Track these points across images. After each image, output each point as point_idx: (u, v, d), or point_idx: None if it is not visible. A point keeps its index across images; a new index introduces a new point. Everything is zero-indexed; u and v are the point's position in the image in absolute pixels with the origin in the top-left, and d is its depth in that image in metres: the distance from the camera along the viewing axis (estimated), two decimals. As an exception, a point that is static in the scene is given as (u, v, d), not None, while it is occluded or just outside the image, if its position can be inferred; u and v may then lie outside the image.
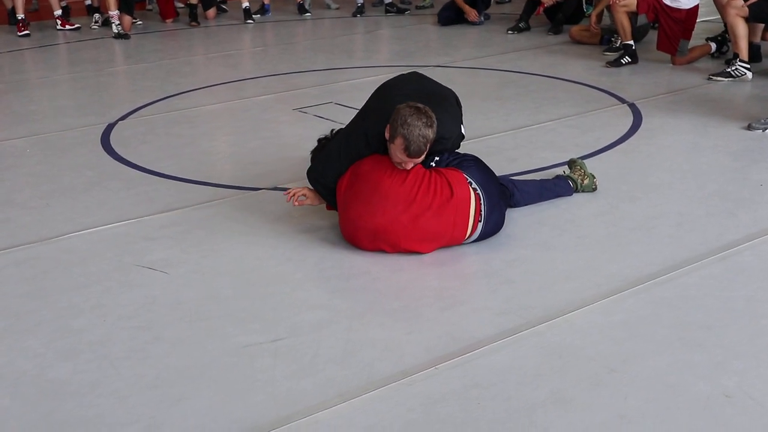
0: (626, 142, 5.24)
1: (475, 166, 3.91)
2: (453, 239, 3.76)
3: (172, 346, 3.10)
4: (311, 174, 3.97)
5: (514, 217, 4.12)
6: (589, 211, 4.19)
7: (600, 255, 3.72)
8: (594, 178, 4.40)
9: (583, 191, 4.36)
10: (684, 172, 4.71)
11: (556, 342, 3.04)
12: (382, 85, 4.06)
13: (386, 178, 3.71)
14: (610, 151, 5.08)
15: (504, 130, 5.57)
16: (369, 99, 4.02)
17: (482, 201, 3.78)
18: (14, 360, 3.04)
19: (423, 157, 3.70)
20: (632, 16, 7.30)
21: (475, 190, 3.78)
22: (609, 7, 8.09)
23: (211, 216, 4.25)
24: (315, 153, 4.13)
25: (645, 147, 5.18)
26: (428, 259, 3.71)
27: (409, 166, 3.71)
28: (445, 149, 3.89)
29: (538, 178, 4.44)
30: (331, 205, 3.98)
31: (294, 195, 4.01)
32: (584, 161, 4.51)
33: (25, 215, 4.38)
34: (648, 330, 3.09)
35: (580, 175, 4.39)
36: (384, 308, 3.34)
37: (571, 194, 4.34)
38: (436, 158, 3.89)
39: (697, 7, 7.14)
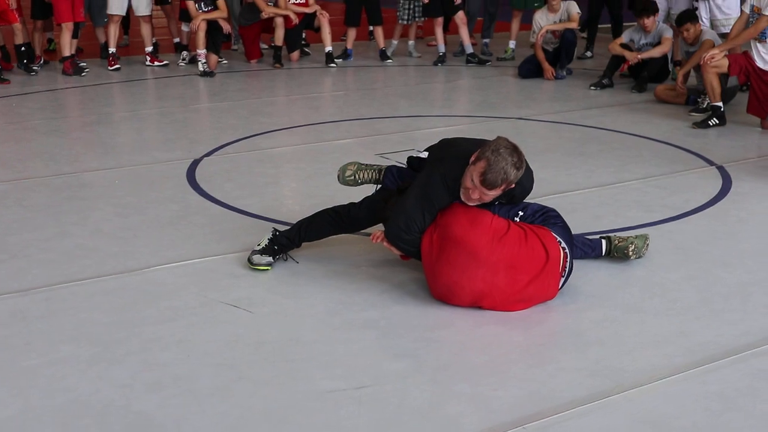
0: (715, 205, 5.12)
1: (560, 223, 3.88)
2: (545, 299, 3.70)
3: (255, 387, 3.09)
4: (392, 235, 3.79)
5: (599, 275, 4.05)
6: (679, 275, 4.08)
7: (692, 321, 3.61)
8: (646, 241, 4.21)
9: (615, 252, 4.15)
10: (777, 240, 4.58)
11: (648, 409, 2.94)
12: (441, 141, 4.10)
13: (484, 243, 3.59)
14: (699, 213, 4.97)
15: (588, 187, 5.50)
16: (433, 153, 4.00)
17: (568, 258, 3.75)
18: (102, 389, 3.06)
19: (492, 195, 3.61)
20: (722, 77, 7.19)
21: (564, 249, 3.73)
22: (696, 68, 8.01)
23: (294, 256, 4.25)
24: (380, 213, 4.00)
25: (736, 211, 5.05)
26: (513, 315, 3.64)
27: (474, 196, 3.61)
28: (516, 199, 3.86)
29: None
30: (416, 259, 3.91)
31: (381, 238, 3.92)
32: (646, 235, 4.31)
33: (113, 245, 4.45)
34: (746, 403, 2.98)
35: (620, 240, 4.19)
36: (469, 362, 3.29)
37: (600, 254, 4.17)
38: (520, 213, 3.85)
39: (790, 71, 7.00)
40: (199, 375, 3.16)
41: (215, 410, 2.94)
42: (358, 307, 3.74)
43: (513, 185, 3.64)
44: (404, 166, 4.38)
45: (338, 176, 4.44)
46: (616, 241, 4.20)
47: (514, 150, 3.58)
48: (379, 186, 4.32)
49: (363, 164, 4.44)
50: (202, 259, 4.26)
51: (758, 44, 6.96)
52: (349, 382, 3.11)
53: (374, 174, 4.35)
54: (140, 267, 4.15)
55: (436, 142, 4.18)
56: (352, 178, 4.39)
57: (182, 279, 4.03)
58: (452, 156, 3.78)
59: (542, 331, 3.57)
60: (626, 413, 2.92)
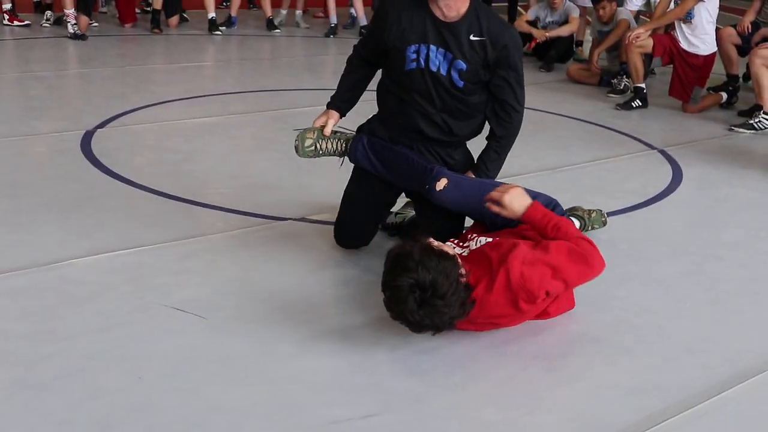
0: (676, 192, 4.78)
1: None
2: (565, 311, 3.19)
3: (237, 419, 2.44)
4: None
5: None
6: (675, 269, 3.69)
7: (713, 324, 3.20)
8: (602, 212, 3.93)
9: (593, 226, 3.86)
10: (757, 230, 4.27)
11: (713, 434, 2.50)
12: None
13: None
14: (663, 201, 4.61)
15: (538, 170, 5.06)
16: None
17: None
18: (34, 428, 2.33)
19: None
20: (645, 58, 6.93)
21: None
22: (609, 49, 7.78)
23: (238, 248, 3.59)
24: None
25: (700, 199, 4.75)
26: (513, 317, 3.13)
27: None
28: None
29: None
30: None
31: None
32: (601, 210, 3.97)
33: (10, 233, 3.63)
34: (817, 424, 2.59)
35: (583, 212, 3.88)
36: (488, 377, 2.75)
37: None
38: None
39: (714, 54, 6.81)
40: (159, 405, 2.47)
41: (192, 453, 2.28)
42: (336, 309, 3.13)
43: None
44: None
45: (296, 148, 3.67)
46: (585, 216, 3.86)
47: None
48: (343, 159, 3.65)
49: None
50: (126, 250, 3.51)
51: (683, 25, 6.74)
52: (352, 409, 2.51)
53: (340, 144, 3.65)
54: (51, 261, 3.37)
55: None
56: (313, 148, 3.65)
57: (108, 276, 3.28)
58: None
59: (555, 337, 3.05)
60: (688, 440, 2.47)
